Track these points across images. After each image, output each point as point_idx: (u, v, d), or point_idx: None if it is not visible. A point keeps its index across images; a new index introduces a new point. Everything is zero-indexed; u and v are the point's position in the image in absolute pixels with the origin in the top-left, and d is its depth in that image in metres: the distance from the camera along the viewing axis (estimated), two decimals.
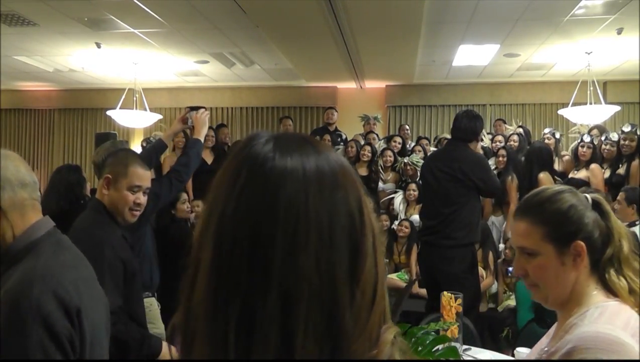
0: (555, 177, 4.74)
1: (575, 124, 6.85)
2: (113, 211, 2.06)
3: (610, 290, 1.17)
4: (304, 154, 0.59)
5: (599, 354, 1.01)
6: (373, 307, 0.58)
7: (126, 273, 2.01)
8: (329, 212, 0.57)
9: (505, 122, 7.09)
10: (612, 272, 1.17)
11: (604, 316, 1.11)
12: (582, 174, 4.88)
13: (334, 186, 0.58)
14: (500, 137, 6.08)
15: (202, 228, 0.59)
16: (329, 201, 0.57)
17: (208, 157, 5.50)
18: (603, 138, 5.10)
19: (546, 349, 1.23)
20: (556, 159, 5.20)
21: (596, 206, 1.22)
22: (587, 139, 4.99)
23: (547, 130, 5.68)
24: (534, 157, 4.74)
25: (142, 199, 2.10)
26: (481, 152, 4.58)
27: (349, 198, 0.59)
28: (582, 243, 1.17)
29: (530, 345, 1.52)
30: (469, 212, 3.63)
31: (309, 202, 0.56)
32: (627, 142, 4.71)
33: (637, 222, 3.72)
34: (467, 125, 3.70)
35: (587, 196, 1.23)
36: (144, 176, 2.10)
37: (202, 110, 2.91)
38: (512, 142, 5.74)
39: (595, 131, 5.56)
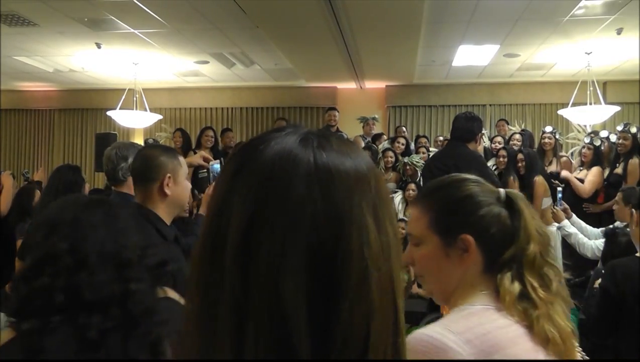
0: (552, 180, 4.74)
1: (572, 130, 6.84)
2: (176, 207, 2.06)
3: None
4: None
5: (412, 356, 0.92)
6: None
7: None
8: (290, 220, 0.48)
9: (508, 123, 7.08)
10: (507, 274, 1.03)
11: (450, 317, 1.01)
12: (581, 174, 4.92)
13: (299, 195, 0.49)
14: (499, 138, 6.08)
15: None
16: (293, 208, 0.48)
17: None
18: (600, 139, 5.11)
19: None
20: (554, 160, 5.21)
21: (508, 202, 1.09)
22: (586, 140, 5.02)
23: (548, 128, 5.60)
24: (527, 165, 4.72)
25: None
26: (482, 153, 4.58)
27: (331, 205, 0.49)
28: (469, 237, 1.05)
29: None
30: None
31: (269, 204, 0.48)
32: (621, 141, 4.71)
33: None
34: (465, 125, 3.74)
35: (501, 190, 1.11)
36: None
37: None
38: (515, 141, 5.73)
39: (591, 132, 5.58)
